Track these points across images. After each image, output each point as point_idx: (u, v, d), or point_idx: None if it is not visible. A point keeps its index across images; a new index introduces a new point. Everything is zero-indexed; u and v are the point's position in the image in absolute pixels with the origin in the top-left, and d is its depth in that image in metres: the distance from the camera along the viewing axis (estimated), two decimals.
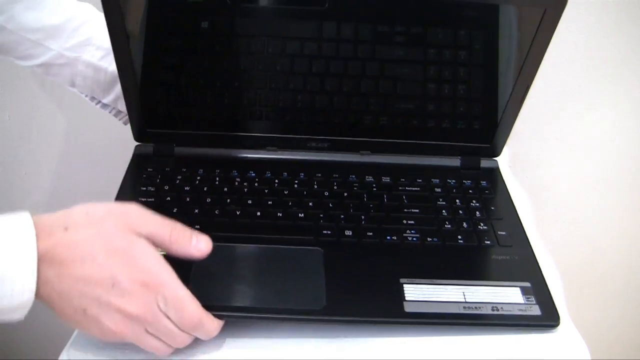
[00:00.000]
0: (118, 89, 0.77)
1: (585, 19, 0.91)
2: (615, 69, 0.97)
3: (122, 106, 0.79)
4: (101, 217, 0.53)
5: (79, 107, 0.99)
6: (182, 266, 0.55)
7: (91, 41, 0.75)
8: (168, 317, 0.53)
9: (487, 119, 0.75)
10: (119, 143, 0.74)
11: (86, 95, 0.80)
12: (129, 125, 0.76)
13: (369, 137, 0.77)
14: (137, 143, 0.77)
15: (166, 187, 0.72)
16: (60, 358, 0.58)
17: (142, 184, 0.72)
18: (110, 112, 0.81)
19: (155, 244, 0.54)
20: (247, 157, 0.78)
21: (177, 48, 0.71)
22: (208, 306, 0.56)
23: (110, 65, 0.75)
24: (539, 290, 0.62)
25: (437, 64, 0.72)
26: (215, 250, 0.62)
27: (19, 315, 0.51)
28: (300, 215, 0.69)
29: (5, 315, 0.51)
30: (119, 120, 0.82)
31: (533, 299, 0.61)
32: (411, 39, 0.71)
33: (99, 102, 0.80)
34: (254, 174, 0.74)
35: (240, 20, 0.70)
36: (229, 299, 0.59)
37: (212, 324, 0.56)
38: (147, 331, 0.54)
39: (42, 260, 0.50)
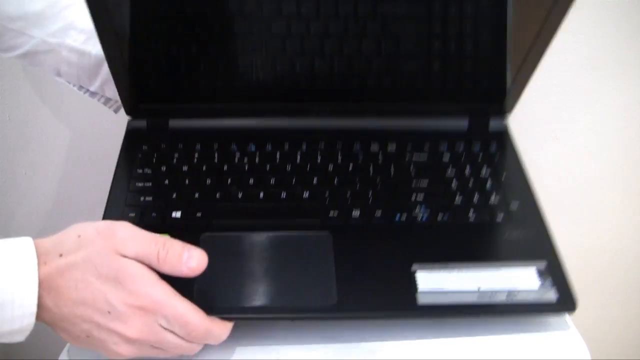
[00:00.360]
0: (103, 73, 0.73)
1: (585, 19, 0.88)
2: (616, 69, 0.94)
3: (109, 92, 0.76)
4: (91, 238, 0.51)
5: (79, 107, 0.96)
6: None
7: (73, 25, 0.71)
8: (173, 332, 0.52)
9: (497, 77, 0.71)
10: (120, 142, 0.71)
11: (74, 85, 0.76)
12: None
13: (373, 100, 0.73)
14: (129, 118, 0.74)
15: (163, 169, 0.68)
16: (60, 358, 0.58)
17: (138, 166, 0.69)
18: (99, 101, 0.78)
19: (145, 265, 0.52)
20: (245, 126, 0.74)
21: (165, 11, 0.66)
22: (214, 308, 0.55)
23: (93, 48, 0.71)
24: (554, 269, 0.60)
25: (444, 18, 0.67)
26: (219, 241, 0.61)
27: (19, 338, 0.51)
28: (305, 195, 0.66)
29: (5, 338, 0.51)
30: (110, 108, 0.78)
31: (549, 280, 0.59)
32: None
33: (87, 90, 0.76)
34: (254, 148, 0.71)
35: None
36: (236, 300, 0.57)
37: (220, 329, 0.55)
38: (153, 347, 0.53)
39: (41, 287, 0.49)
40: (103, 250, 0.50)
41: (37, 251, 0.50)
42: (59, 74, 0.75)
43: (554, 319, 0.61)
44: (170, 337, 0.52)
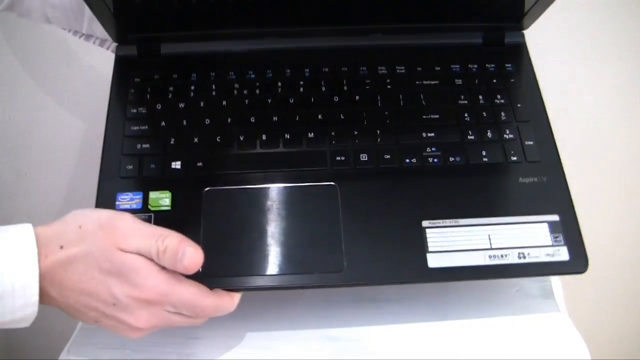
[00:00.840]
0: (88, 11, 0.68)
1: (585, 20, 0.84)
2: (616, 69, 0.90)
3: (98, 31, 0.70)
4: (93, 231, 0.50)
5: (80, 107, 0.92)
6: (190, 230, 0.52)
7: None
8: (181, 314, 0.53)
9: None
10: None
11: (69, 30, 0.72)
12: None
13: (379, 16, 0.67)
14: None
15: (158, 107, 0.64)
16: (60, 358, 0.59)
17: (131, 103, 0.64)
18: (95, 43, 0.73)
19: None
20: (244, 50, 0.68)
21: None
22: (221, 280, 0.55)
23: None
24: (567, 224, 0.59)
25: None
26: (222, 196, 0.59)
27: (24, 324, 0.51)
28: (310, 135, 0.63)
29: (10, 325, 0.51)
30: (107, 49, 0.73)
31: (561, 237, 0.58)
32: None
33: (82, 34, 0.72)
34: (253, 75, 0.66)
35: None
36: (242, 268, 0.56)
37: (228, 303, 0.55)
38: (162, 327, 0.54)
39: (43, 279, 0.49)
40: (104, 245, 0.49)
41: (37, 242, 0.49)
42: (48, 21, 0.70)
43: (554, 320, 0.61)
44: (178, 318, 0.53)
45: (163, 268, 0.51)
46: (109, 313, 0.51)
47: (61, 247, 0.49)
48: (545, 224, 0.59)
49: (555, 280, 0.64)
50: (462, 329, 0.60)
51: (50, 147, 0.93)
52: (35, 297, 0.48)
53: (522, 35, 0.69)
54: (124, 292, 0.50)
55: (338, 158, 0.62)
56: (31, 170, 0.93)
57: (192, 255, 0.50)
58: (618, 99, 0.95)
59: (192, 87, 0.65)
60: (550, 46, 0.87)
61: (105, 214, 0.51)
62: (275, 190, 0.60)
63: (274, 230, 0.57)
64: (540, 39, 0.73)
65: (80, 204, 0.53)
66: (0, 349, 0.93)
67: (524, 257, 0.57)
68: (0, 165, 0.92)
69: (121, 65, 0.67)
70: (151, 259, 0.51)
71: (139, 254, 0.50)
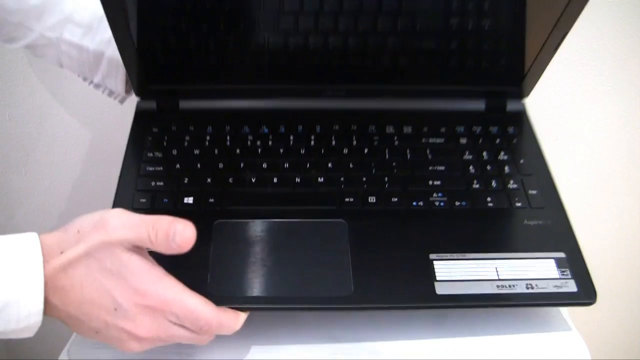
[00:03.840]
0: (103, 68, 0.72)
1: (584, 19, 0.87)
2: (616, 69, 0.93)
3: (111, 85, 0.74)
4: (88, 232, 0.49)
5: (80, 107, 0.95)
6: (199, 259, 0.53)
7: (71, 18, 0.69)
8: (184, 327, 0.52)
9: (516, 58, 0.68)
10: (122, 143, 0.69)
11: (79, 76, 0.75)
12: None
13: (388, 81, 0.71)
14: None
15: (174, 152, 0.67)
16: (60, 358, 0.58)
17: (149, 149, 0.67)
18: (103, 92, 0.76)
19: (145, 256, 0.51)
20: (258, 107, 0.72)
21: None
22: (226, 298, 0.54)
23: (91, 43, 0.70)
24: (573, 261, 0.59)
25: None
26: (232, 228, 0.60)
27: (27, 334, 0.50)
28: (320, 180, 0.65)
29: (13, 335, 0.50)
30: (115, 99, 0.77)
31: (568, 272, 0.58)
32: None
33: (92, 82, 0.75)
34: (267, 130, 0.69)
35: None
36: (249, 289, 0.56)
37: (233, 320, 0.54)
38: (164, 340, 0.52)
39: (46, 286, 0.48)
40: (102, 244, 0.49)
41: (42, 250, 0.49)
42: (61, 66, 0.74)
43: (554, 319, 0.61)
44: (182, 332, 0.52)
45: (166, 274, 0.51)
46: (110, 321, 0.50)
47: (61, 253, 0.49)
48: (552, 260, 0.59)
49: None
50: (461, 329, 0.59)
51: (50, 147, 0.93)
52: (40, 305, 0.48)
53: (523, 105, 0.73)
54: (125, 297, 0.49)
55: (347, 199, 0.63)
56: (31, 170, 0.92)
57: (182, 232, 0.49)
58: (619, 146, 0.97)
59: (207, 138, 0.68)
60: (551, 111, 0.89)
61: (97, 213, 0.51)
62: (284, 224, 0.61)
63: (281, 259, 0.58)
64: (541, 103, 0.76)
65: (81, 204, 0.53)
66: (0, 349, 0.87)
67: (532, 288, 0.57)
68: (0, 165, 0.92)
69: (140, 119, 0.71)
70: (153, 263, 0.51)
71: (135, 246, 0.50)
